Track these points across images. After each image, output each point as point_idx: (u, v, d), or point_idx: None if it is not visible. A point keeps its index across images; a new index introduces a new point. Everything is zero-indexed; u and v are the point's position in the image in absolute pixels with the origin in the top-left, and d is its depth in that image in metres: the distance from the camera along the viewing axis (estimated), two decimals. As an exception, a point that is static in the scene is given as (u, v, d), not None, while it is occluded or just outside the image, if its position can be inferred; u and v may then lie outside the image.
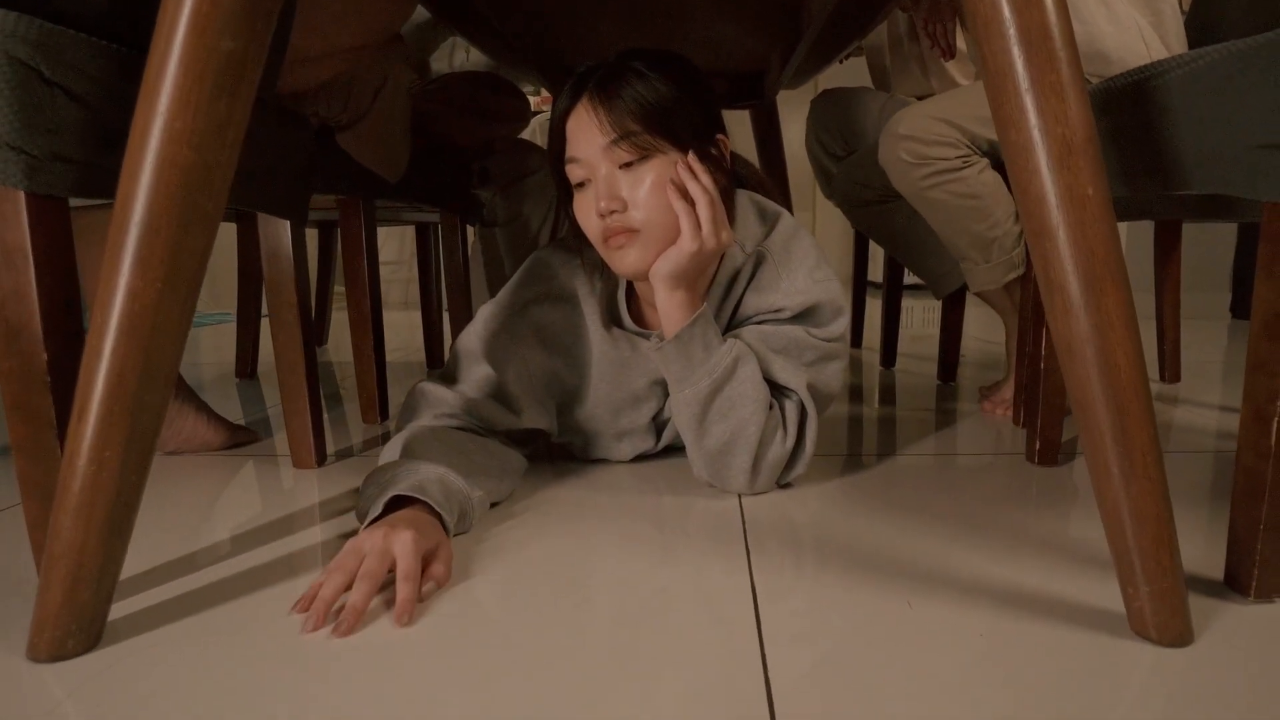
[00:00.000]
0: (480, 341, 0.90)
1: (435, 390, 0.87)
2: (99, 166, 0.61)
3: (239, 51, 0.52)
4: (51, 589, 0.53)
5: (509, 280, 0.95)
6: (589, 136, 0.80)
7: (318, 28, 0.89)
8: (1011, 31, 0.53)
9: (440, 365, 1.80)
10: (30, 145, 0.55)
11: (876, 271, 2.65)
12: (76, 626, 0.54)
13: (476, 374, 0.88)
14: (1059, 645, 0.55)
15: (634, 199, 0.79)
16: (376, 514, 0.67)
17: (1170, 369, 1.58)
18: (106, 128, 0.61)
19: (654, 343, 0.83)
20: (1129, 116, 0.72)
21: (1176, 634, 0.54)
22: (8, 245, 0.56)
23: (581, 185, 0.82)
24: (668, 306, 0.81)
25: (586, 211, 0.82)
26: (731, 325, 0.91)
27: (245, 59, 0.53)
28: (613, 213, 0.80)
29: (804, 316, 0.88)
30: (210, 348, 2.23)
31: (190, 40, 0.51)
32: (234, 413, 1.34)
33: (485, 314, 0.92)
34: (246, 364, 1.72)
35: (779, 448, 0.84)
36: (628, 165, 0.80)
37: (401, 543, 0.61)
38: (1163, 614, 0.54)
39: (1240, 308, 2.91)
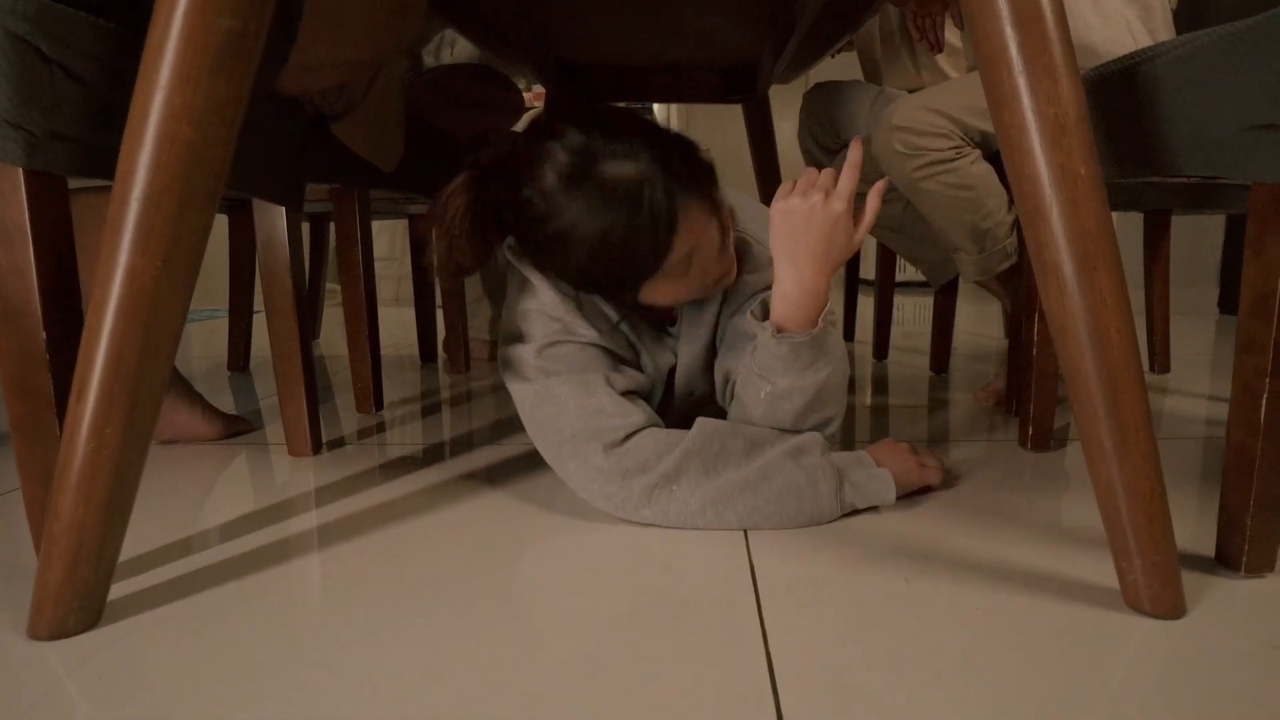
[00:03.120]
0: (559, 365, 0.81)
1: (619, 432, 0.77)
2: (98, 145, 0.61)
3: (239, 29, 0.52)
4: (52, 567, 0.53)
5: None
6: (715, 224, 0.76)
7: (328, 39, 0.89)
8: (1005, 13, 0.54)
9: (434, 359, 1.80)
10: (29, 123, 0.55)
11: (869, 269, 2.67)
12: (77, 604, 0.54)
13: (602, 388, 0.79)
14: (1055, 618, 0.56)
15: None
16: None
17: (1160, 360, 1.59)
18: (105, 106, 0.61)
19: (781, 336, 0.75)
20: (1120, 102, 0.72)
21: (1170, 606, 0.55)
22: (6, 223, 0.56)
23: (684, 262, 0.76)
24: (817, 285, 0.74)
25: (692, 284, 0.78)
26: (730, 306, 0.89)
27: (245, 37, 0.53)
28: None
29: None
30: (201, 342, 2.22)
31: (190, 17, 0.51)
32: (227, 405, 1.33)
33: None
34: (238, 357, 1.71)
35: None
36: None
37: None
38: (1156, 586, 0.55)
39: (1228, 303, 2.93)
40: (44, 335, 0.58)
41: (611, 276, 0.74)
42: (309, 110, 1.02)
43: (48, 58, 0.56)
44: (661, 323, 0.89)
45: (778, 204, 0.75)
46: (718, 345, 0.89)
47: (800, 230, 0.73)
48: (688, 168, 0.72)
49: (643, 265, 0.72)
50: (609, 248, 0.70)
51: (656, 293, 0.77)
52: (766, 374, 0.77)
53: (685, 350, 0.89)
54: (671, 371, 0.91)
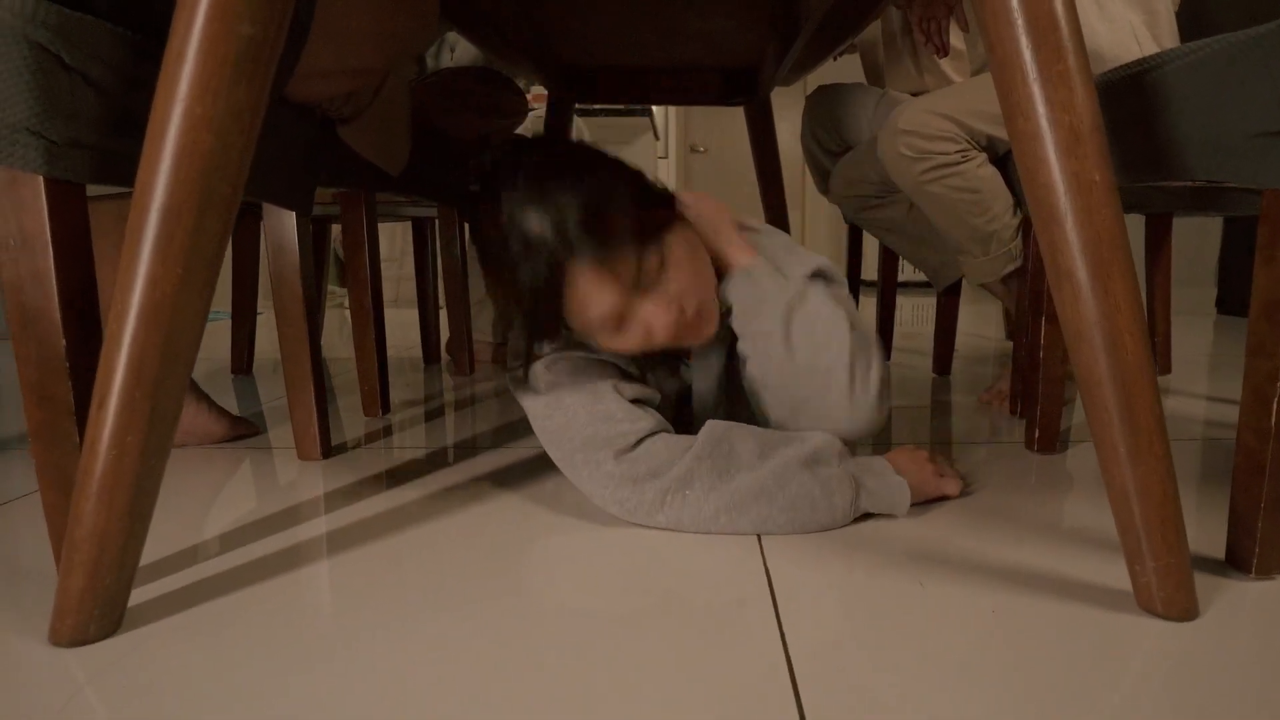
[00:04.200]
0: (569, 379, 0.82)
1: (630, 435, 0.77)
2: (116, 152, 0.61)
3: (258, 36, 0.52)
4: (74, 575, 0.53)
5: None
6: (611, 289, 0.72)
7: (337, 46, 0.89)
8: (1019, 21, 0.54)
9: (437, 361, 1.80)
10: (50, 130, 0.55)
11: (870, 270, 2.67)
12: (98, 612, 0.54)
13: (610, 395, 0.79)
14: (1068, 621, 0.56)
15: (675, 292, 0.75)
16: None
17: (1162, 360, 1.60)
18: (125, 114, 0.61)
19: (729, 278, 0.82)
20: (1129, 108, 0.73)
21: (1183, 608, 0.56)
22: (27, 231, 0.56)
23: (620, 325, 0.76)
24: (732, 240, 0.84)
25: (635, 341, 0.77)
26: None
27: (265, 44, 0.53)
28: (680, 318, 0.76)
29: (816, 279, 0.84)
30: (203, 345, 2.21)
31: (210, 25, 0.51)
32: (231, 408, 1.33)
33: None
34: (242, 359, 1.71)
35: (876, 366, 0.80)
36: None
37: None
38: (1169, 589, 0.55)
39: (1226, 303, 2.94)
40: (63, 343, 0.58)
41: (533, 319, 0.75)
42: (316, 114, 1.02)
43: (68, 66, 0.56)
44: (676, 356, 0.89)
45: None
46: (741, 381, 0.87)
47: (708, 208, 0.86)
48: (600, 225, 0.70)
49: (547, 319, 0.75)
50: (515, 296, 0.73)
51: (605, 343, 0.78)
52: (750, 330, 0.81)
53: (699, 383, 0.89)
54: (688, 400, 0.91)
